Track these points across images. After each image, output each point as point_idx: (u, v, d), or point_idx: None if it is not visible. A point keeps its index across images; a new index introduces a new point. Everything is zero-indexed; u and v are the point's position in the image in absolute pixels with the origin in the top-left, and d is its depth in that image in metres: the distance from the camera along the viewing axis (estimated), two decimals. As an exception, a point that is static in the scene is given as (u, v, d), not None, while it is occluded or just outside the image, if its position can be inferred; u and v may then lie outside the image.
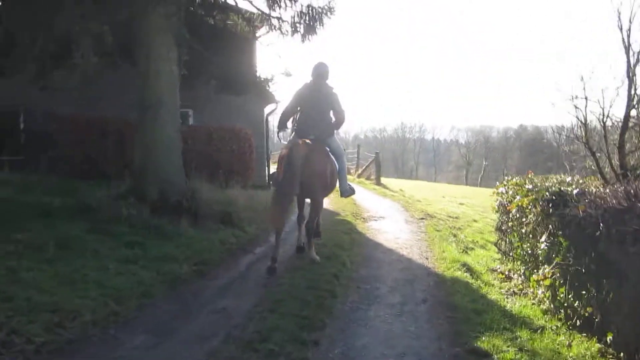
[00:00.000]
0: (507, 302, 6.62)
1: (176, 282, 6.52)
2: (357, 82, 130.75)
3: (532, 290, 6.83)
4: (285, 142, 8.18)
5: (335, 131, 8.23)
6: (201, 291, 6.34)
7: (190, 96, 15.30)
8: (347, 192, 8.45)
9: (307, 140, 7.51)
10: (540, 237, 6.66)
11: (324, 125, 7.89)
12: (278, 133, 8.61)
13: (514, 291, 7.25)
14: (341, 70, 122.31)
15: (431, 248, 9.62)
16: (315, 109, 7.83)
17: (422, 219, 12.95)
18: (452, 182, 68.57)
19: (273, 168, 19.96)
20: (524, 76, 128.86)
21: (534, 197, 6.98)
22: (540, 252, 6.61)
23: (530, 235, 7.23)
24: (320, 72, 7.91)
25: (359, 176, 25.91)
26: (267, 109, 16.97)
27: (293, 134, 8.10)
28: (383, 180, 24.08)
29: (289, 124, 8.34)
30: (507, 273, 8.11)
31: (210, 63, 12.45)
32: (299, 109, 8.03)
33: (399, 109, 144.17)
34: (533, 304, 6.55)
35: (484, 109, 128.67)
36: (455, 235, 11.01)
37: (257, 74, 13.87)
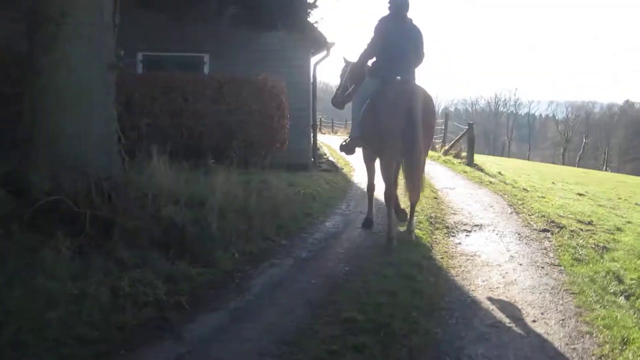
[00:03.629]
0: None
1: None
2: (446, 46, 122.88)
3: None
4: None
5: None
6: None
7: (205, 36, 10.54)
8: None
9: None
10: None
11: (410, 66, 6.37)
12: (337, 95, 7.41)
13: None
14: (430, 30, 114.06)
15: (587, 319, 4.37)
16: (401, 46, 6.26)
17: (545, 230, 7.60)
18: (547, 160, 61.92)
19: (325, 138, 14.23)
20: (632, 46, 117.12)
21: None
22: None
23: None
24: (401, 1, 6.32)
25: (445, 153, 19.95)
26: (315, 58, 11.81)
27: (370, 78, 6.45)
28: (476, 158, 18.28)
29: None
30: None
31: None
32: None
33: (493, 80, 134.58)
34: None
35: (587, 82, 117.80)
36: (618, 277, 5.65)
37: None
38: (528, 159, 58.18)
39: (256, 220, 5.80)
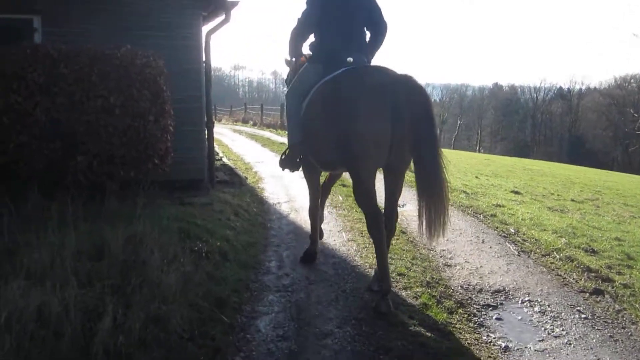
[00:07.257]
0: None
1: None
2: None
3: None
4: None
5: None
6: None
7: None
8: None
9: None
10: None
11: (363, 43, 4.51)
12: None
13: None
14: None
15: None
16: (349, 17, 4.34)
17: (597, 292, 4.70)
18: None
19: (231, 137, 10.14)
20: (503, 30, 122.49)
21: None
22: None
23: None
24: None
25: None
26: (209, 26, 7.96)
27: (310, 64, 4.54)
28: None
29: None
30: None
31: None
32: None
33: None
34: None
35: (461, 66, 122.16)
36: None
37: None
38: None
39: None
